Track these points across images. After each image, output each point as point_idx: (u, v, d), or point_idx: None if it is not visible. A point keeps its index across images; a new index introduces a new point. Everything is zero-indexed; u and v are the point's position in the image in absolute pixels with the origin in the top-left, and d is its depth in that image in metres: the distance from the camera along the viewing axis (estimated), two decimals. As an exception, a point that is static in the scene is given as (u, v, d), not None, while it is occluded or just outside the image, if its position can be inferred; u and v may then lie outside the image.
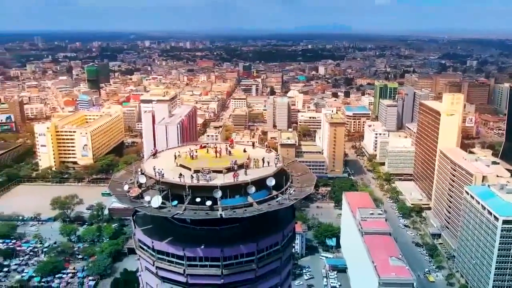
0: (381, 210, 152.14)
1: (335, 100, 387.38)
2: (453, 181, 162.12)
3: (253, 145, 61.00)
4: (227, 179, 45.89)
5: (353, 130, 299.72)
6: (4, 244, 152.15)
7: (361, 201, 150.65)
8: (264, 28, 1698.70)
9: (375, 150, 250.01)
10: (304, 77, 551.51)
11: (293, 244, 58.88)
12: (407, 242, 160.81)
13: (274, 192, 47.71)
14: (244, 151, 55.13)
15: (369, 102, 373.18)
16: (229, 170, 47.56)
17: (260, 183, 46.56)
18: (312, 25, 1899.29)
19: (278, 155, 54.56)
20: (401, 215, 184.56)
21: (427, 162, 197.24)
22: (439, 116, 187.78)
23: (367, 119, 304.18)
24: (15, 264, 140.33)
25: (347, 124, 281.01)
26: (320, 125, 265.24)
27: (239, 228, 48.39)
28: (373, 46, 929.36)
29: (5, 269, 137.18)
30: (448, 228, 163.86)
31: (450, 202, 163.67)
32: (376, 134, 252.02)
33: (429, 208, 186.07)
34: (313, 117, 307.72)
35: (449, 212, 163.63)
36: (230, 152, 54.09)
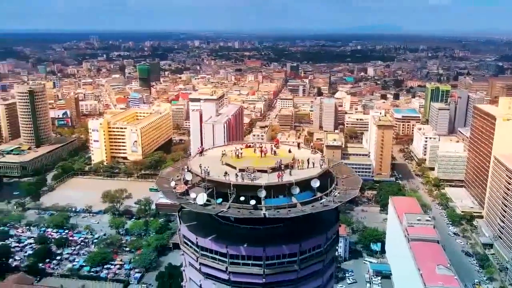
0: (429, 217, 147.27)
1: (384, 102, 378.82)
2: (508, 189, 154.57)
3: (298, 145, 60.81)
4: (271, 179, 46.03)
5: (402, 133, 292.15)
6: (58, 233, 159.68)
7: (408, 206, 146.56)
8: (312, 29, 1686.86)
9: (425, 154, 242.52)
10: (352, 78, 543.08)
11: (337, 247, 58.16)
12: (456, 251, 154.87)
13: (319, 194, 47.36)
14: (289, 151, 55.08)
15: (420, 105, 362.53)
16: (273, 170, 47.69)
17: (304, 184, 46.37)
18: (362, 25, 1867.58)
19: (323, 156, 54.16)
20: (450, 222, 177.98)
21: (480, 169, 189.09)
22: (494, 121, 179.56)
23: (416, 122, 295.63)
24: (67, 253, 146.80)
25: (396, 127, 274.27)
26: (368, 127, 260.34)
27: (282, 228, 48.36)
28: (425, 47, 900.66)
29: (58, 258, 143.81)
30: (501, 238, 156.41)
31: (505, 211, 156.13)
32: (426, 138, 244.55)
33: (481, 217, 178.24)
34: (360, 119, 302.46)
35: (503, 222, 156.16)
36: (275, 152, 54.21)
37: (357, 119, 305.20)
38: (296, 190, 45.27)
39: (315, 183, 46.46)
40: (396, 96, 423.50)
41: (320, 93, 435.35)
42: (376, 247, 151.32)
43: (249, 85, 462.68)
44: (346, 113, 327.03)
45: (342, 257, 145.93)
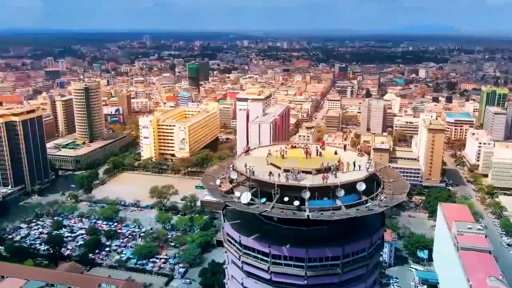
0: (481, 225, 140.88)
1: (436, 105, 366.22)
2: None
3: (344, 147, 60.07)
4: (316, 180, 45.77)
5: (454, 137, 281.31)
6: (108, 225, 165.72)
7: (458, 214, 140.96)
8: (362, 29, 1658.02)
9: (478, 160, 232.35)
10: (402, 80, 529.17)
11: (381, 252, 57.01)
12: (510, 263, 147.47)
13: (364, 197, 46.67)
14: (335, 153, 54.56)
15: (474, 109, 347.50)
16: (318, 171, 47.40)
17: (349, 187, 45.81)
18: (414, 25, 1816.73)
19: (370, 159, 53.27)
20: (504, 232, 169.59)
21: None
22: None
23: (470, 126, 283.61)
24: (116, 245, 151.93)
25: (447, 131, 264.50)
26: (417, 130, 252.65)
27: (326, 230, 47.98)
28: (482, 49, 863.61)
29: (107, 249, 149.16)
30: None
31: None
32: (480, 143, 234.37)
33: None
34: (410, 122, 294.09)
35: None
36: (320, 153, 53.85)
37: (407, 122, 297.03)
38: (341, 192, 44.79)
39: (361, 186, 45.80)
40: (449, 99, 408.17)
41: (368, 95, 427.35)
42: (423, 254, 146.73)
43: (297, 85, 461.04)
44: (395, 115, 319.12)
45: (387, 263, 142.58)
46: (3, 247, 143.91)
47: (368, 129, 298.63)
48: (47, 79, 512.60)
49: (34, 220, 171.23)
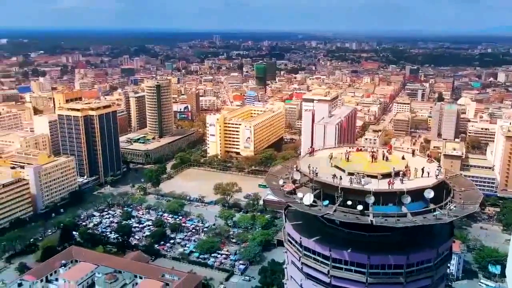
0: None
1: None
2: None
3: (413, 153, 58.05)
4: (381, 185, 44.71)
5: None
6: (173, 219, 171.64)
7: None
8: (436, 30, 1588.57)
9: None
10: (479, 84, 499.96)
11: (448, 264, 54.48)
12: None
13: (432, 206, 44.96)
14: (403, 158, 52.98)
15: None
16: (384, 176, 46.24)
17: (416, 194, 44.29)
18: (493, 26, 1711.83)
19: (440, 166, 51.13)
20: None
21: None
22: None
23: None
24: (180, 238, 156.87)
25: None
26: (494, 138, 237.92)
27: (389, 237, 46.72)
28: None
29: (171, 241, 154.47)
30: None
31: None
32: None
33: None
34: (485, 128, 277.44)
35: None
36: (387, 158, 52.52)
37: (482, 128, 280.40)
38: (407, 199, 43.40)
39: (429, 194, 44.14)
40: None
41: (441, 99, 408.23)
42: (495, 269, 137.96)
43: (365, 87, 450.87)
44: (469, 121, 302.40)
45: (454, 276, 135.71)
46: (77, 233, 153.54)
47: (439, 135, 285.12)
48: (122, 76, 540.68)
49: (106, 209, 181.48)
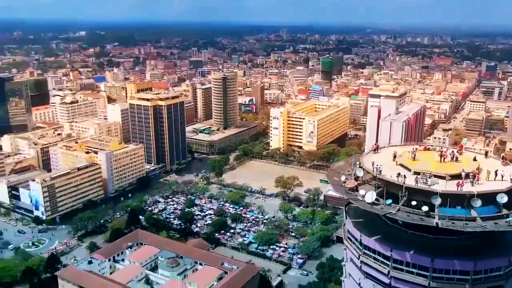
0: None
1: None
2: None
3: (486, 154, 54.81)
4: (449, 186, 42.80)
5: None
6: (234, 209, 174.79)
7: None
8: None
9: None
10: None
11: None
12: None
13: (505, 211, 42.32)
14: (474, 159, 50.35)
15: None
16: (453, 177, 44.20)
17: (488, 198, 41.93)
18: None
19: (515, 169, 47.93)
20: None
21: None
22: None
23: None
24: (239, 228, 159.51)
25: None
26: None
27: (456, 241, 44.70)
28: None
29: (232, 231, 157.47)
30: None
31: None
32: None
33: None
34: None
35: None
36: (457, 158, 50.13)
37: None
38: (477, 202, 41.22)
39: (502, 198, 41.58)
40: None
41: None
42: None
43: (436, 84, 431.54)
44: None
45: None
46: (143, 217, 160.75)
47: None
48: (190, 68, 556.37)
49: (171, 196, 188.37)
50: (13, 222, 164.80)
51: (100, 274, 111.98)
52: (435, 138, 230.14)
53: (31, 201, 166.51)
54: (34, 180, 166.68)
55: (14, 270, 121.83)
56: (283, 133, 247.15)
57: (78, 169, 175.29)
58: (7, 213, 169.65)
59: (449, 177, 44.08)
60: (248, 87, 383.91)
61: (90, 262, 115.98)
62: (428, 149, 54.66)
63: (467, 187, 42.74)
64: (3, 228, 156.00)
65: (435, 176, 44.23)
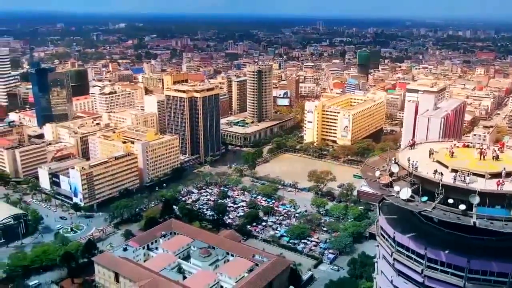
0: None
1: None
2: None
3: (529, 153, 52.73)
4: (488, 185, 41.43)
5: None
6: (266, 202, 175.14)
7: None
8: None
9: None
10: None
11: None
12: None
13: (548, 213, 40.59)
14: (516, 158, 48.44)
15: None
16: (493, 176, 42.75)
17: (530, 198, 40.33)
18: None
19: (561, 170, 45.84)
20: None
21: None
22: None
23: None
24: (271, 221, 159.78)
25: None
26: None
27: (494, 242, 43.28)
28: None
29: (263, 224, 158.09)
30: None
31: None
32: None
33: None
34: None
35: None
36: (497, 156, 48.39)
37: None
38: (518, 203, 39.74)
39: (545, 199, 39.94)
40: None
41: None
42: None
43: (477, 79, 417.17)
44: None
45: None
46: (177, 207, 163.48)
47: None
48: (226, 60, 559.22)
49: (204, 188, 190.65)
50: (53, 208, 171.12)
51: (134, 261, 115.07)
52: (475, 135, 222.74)
53: (70, 188, 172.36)
54: (73, 168, 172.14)
55: (54, 254, 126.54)
56: (317, 127, 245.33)
57: (115, 158, 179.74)
58: (48, 199, 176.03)
59: (489, 176, 42.71)
60: (283, 80, 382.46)
61: (125, 249, 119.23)
62: (468, 146, 53.03)
63: (508, 187, 41.26)
64: (44, 213, 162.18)
65: (474, 174, 42.89)
